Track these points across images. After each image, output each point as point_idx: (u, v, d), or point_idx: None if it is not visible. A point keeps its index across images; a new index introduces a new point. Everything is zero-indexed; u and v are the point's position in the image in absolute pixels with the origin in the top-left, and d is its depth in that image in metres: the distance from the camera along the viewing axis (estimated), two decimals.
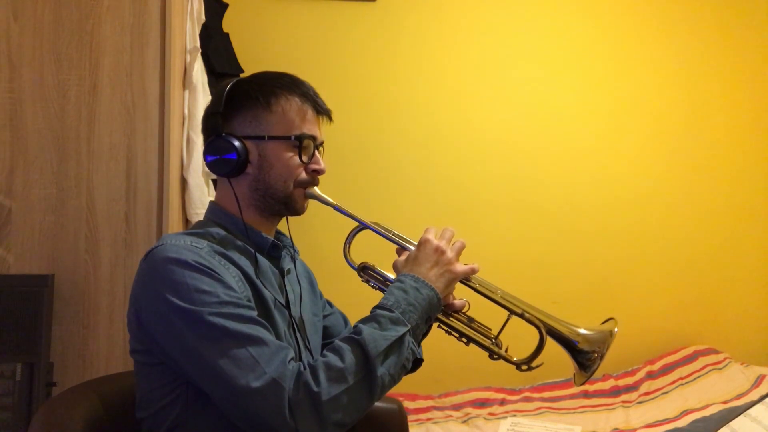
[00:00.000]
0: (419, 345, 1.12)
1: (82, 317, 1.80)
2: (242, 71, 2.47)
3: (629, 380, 2.71)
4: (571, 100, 2.92)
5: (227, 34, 2.50)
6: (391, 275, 1.24)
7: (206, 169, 2.02)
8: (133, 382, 1.17)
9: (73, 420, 1.14)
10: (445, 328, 1.22)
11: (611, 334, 1.20)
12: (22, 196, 1.79)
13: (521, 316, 1.20)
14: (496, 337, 1.22)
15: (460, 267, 1.17)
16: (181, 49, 2.01)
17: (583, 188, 2.92)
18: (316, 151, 1.22)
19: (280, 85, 1.20)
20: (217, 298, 1.03)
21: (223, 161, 1.16)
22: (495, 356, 1.21)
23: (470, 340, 1.21)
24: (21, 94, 1.79)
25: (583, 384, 1.21)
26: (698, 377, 2.62)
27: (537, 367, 1.19)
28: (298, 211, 1.22)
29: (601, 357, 1.18)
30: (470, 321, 1.23)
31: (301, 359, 1.17)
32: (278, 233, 1.30)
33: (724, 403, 2.36)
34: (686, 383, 2.60)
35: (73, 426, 1.13)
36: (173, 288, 1.03)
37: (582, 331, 1.21)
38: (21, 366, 1.68)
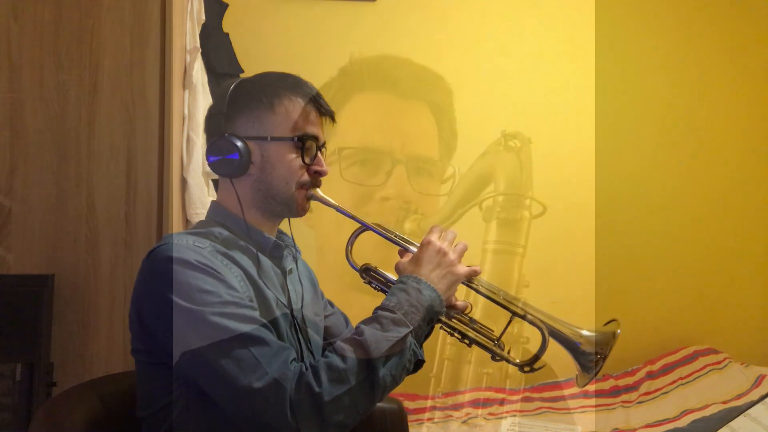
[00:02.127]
0: (421, 346, 1.12)
1: (82, 317, 1.79)
2: (242, 71, 2.47)
3: (629, 380, 2.71)
4: (571, 99, 2.91)
5: (227, 34, 2.49)
6: (393, 277, 1.24)
7: (206, 169, 2.02)
8: (133, 382, 1.17)
9: (73, 420, 1.14)
10: (448, 330, 1.22)
11: (614, 335, 1.19)
12: (22, 196, 1.78)
13: (523, 317, 1.20)
14: (499, 339, 1.22)
15: (462, 269, 1.17)
16: (181, 49, 2.01)
17: (583, 188, 2.91)
18: (319, 153, 1.22)
19: (284, 86, 1.20)
20: (219, 298, 1.03)
21: (225, 161, 1.16)
22: (497, 357, 1.21)
23: (472, 341, 1.21)
24: (21, 95, 1.79)
25: (585, 385, 1.21)
26: (698, 377, 2.62)
27: (540, 368, 1.19)
28: (299, 212, 1.22)
29: (604, 358, 1.18)
30: (472, 322, 1.23)
31: (302, 360, 1.17)
32: (280, 233, 1.30)
33: (724, 403, 2.36)
34: (686, 383, 2.60)
35: (73, 426, 1.13)
36: (176, 288, 1.03)
37: (584, 332, 1.20)
38: (21, 366, 1.68)
